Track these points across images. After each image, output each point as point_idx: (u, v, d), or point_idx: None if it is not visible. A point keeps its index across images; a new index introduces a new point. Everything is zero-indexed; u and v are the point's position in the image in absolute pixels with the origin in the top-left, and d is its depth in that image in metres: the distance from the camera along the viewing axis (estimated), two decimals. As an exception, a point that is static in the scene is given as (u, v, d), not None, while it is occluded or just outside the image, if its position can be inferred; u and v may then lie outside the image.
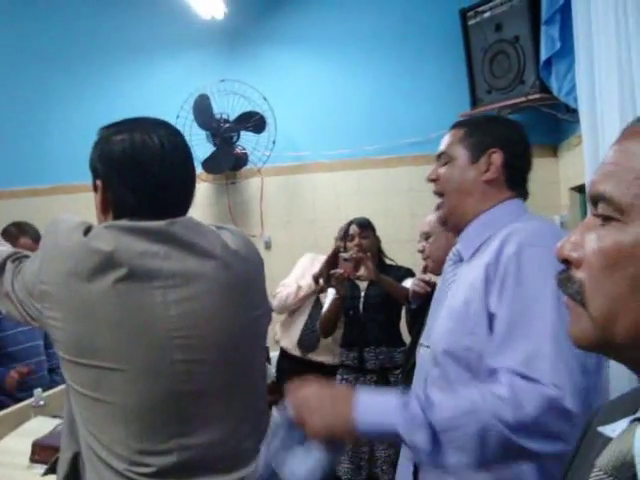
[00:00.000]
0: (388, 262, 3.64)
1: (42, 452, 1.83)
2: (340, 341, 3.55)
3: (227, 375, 1.32)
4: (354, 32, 4.60)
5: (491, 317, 1.26)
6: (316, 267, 3.71)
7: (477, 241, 1.41)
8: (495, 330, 1.24)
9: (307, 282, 3.73)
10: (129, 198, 1.29)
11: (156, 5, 4.72)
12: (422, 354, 1.52)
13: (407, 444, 1.08)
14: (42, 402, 2.29)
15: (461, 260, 1.47)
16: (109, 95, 4.97)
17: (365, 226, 3.55)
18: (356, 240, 3.50)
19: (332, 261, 3.48)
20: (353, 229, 3.54)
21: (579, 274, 0.69)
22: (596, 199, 0.69)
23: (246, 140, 4.60)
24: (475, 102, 4.19)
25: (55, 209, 4.73)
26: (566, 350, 1.11)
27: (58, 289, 1.23)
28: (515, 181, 1.46)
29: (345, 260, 3.33)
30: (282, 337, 3.80)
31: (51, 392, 2.46)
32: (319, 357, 3.68)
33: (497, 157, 1.42)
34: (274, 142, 4.52)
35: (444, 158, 1.49)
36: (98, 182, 1.34)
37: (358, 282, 3.48)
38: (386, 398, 1.12)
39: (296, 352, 3.73)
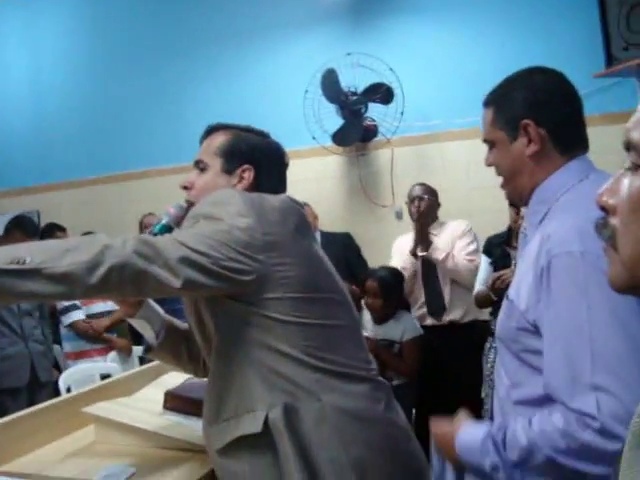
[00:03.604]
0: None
1: (173, 400, 2.03)
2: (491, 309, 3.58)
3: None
4: (480, -4, 4.54)
5: (533, 323, 1.26)
6: (409, 243, 3.84)
7: (536, 218, 1.37)
8: (544, 344, 1.24)
9: (409, 260, 3.79)
10: (272, 181, 1.68)
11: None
12: None
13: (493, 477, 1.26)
14: (178, 360, 2.51)
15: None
16: (241, 75, 5.25)
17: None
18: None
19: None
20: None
21: (613, 220, 0.73)
22: (627, 147, 0.72)
23: (374, 112, 4.67)
24: (610, 61, 3.98)
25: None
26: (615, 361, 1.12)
27: (286, 239, 1.48)
28: (565, 141, 1.36)
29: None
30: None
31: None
32: (448, 317, 3.74)
33: (532, 128, 1.34)
34: (402, 113, 4.56)
35: (489, 144, 1.45)
36: (247, 166, 1.64)
37: (510, 250, 3.48)
38: (473, 439, 1.30)
39: (428, 321, 3.77)
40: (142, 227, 4.61)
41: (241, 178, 1.64)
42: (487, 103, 1.46)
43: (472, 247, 3.74)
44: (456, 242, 3.74)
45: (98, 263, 1.27)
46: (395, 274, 3.63)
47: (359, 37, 4.81)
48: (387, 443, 1.50)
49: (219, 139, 1.68)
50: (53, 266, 1.25)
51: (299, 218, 1.56)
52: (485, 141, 1.47)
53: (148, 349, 1.81)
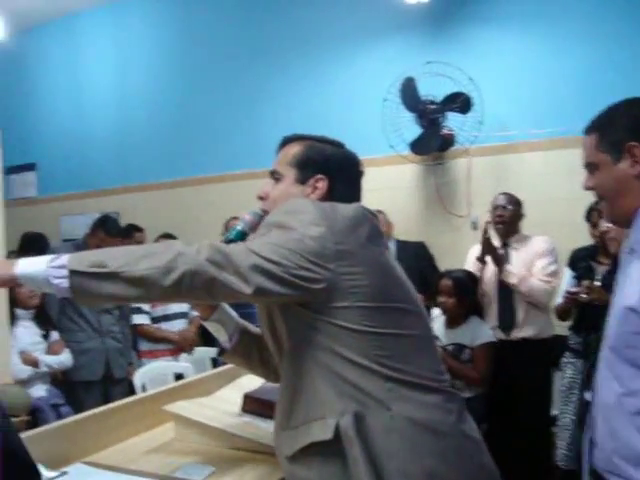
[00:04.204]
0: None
1: (252, 403, 2.06)
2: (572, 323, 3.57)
3: None
4: (562, 4, 4.44)
5: None
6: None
7: None
8: None
9: (475, 267, 3.76)
10: (345, 191, 1.66)
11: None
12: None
13: None
14: (254, 362, 2.53)
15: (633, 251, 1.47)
16: (319, 83, 5.30)
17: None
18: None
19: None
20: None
21: None
22: None
23: (453, 121, 4.62)
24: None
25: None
26: None
27: (357, 248, 1.47)
28: None
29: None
30: None
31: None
32: (520, 333, 3.64)
33: (637, 150, 1.40)
34: (481, 122, 4.50)
35: (590, 168, 1.51)
36: (321, 176, 1.64)
37: (595, 265, 3.46)
38: None
39: (498, 335, 3.68)
40: (227, 230, 4.70)
41: (315, 188, 1.65)
42: (589, 130, 1.51)
43: (551, 268, 3.64)
44: (536, 261, 3.66)
45: (171, 269, 1.33)
46: (470, 276, 3.63)
47: (439, 46, 4.77)
48: (459, 456, 1.46)
49: (294, 150, 1.70)
50: (130, 270, 1.33)
51: (371, 227, 1.54)
52: (587, 165, 1.52)
53: (222, 352, 1.84)
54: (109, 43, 6.64)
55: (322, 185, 1.65)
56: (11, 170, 7.20)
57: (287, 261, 1.39)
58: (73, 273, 1.31)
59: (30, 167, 7.17)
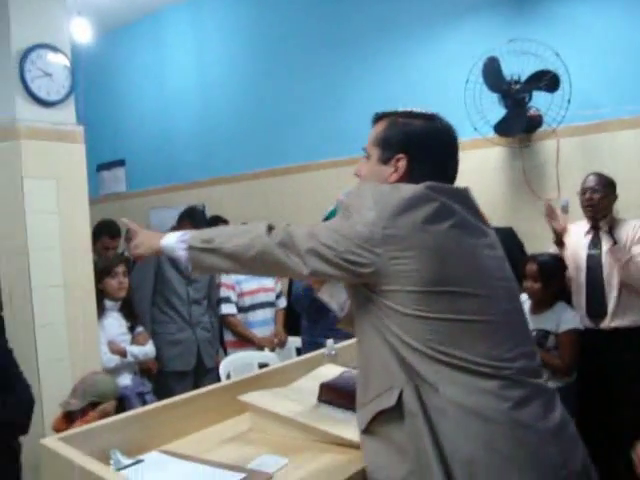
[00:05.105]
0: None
1: (328, 393, 2.03)
2: None
3: (518, 304, 1.67)
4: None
5: None
6: (577, 231, 3.64)
7: None
8: None
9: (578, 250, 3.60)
10: (428, 169, 1.62)
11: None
12: None
13: None
14: (333, 352, 2.51)
15: None
16: (400, 66, 5.20)
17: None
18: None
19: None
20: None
21: None
22: None
23: (539, 100, 4.43)
24: None
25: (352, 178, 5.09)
26: None
27: (408, 231, 1.47)
28: None
29: None
30: None
31: (341, 344, 2.67)
32: (612, 323, 3.45)
33: None
34: (569, 101, 4.29)
35: None
36: (401, 155, 1.64)
37: None
38: None
39: (587, 323, 3.51)
40: None
41: (396, 168, 1.65)
42: None
43: None
44: (634, 247, 3.43)
45: (250, 247, 1.57)
46: (557, 259, 3.48)
47: (522, 22, 4.56)
48: (509, 444, 1.40)
49: (379, 128, 1.71)
50: (225, 246, 1.60)
51: (434, 208, 1.50)
52: None
53: (338, 321, 1.98)
54: (190, 38, 6.76)
55: (402, 165, 1.64)
56: (102, 167, 7.49)
57: (339, 246, 1.50)
58: (190, 248, 1.64)
59: (120, 163, 7.41)
